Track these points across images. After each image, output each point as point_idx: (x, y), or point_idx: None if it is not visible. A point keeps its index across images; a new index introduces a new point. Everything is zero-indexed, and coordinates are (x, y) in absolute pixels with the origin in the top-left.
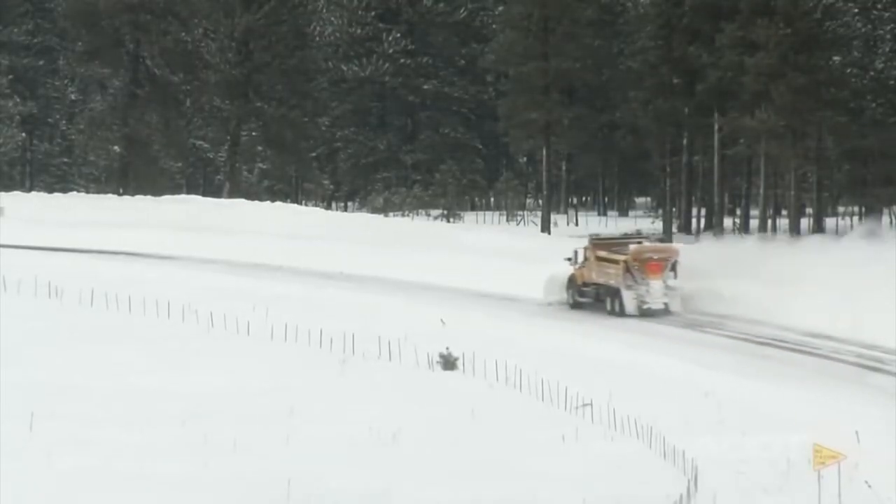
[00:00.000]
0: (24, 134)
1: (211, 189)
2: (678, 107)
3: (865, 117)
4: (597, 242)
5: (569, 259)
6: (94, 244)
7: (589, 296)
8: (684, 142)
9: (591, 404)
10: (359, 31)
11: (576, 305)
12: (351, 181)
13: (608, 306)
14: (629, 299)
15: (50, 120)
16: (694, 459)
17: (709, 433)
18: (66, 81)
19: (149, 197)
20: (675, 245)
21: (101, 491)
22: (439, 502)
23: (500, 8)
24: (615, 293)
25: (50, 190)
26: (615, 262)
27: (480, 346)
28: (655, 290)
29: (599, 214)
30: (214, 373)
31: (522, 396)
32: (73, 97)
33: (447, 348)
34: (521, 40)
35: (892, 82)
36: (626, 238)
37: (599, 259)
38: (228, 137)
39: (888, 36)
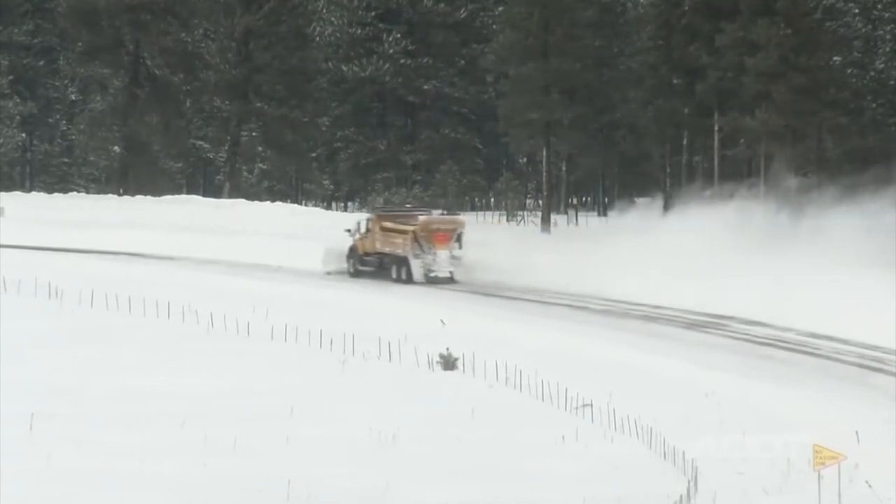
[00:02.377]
0: (24, 134)
1: (211, 189)
2: (678, 107)
3: (866, 118)
4: (382, 214)
5: (348, 230)
6: (94, 244)
7: (371, 265)
8: (684, 142)
9: (591, 404)
10: (359, 31)
11: (356, 274)
12: (351, 181)
13: (394, 274)
14: (417, 267)
15: (50, 120)
16: (694, 460)
17: (709, 433)
18: (66, 81)
19: (149, 197)
20: (461, 217)
21: (101, 491)
22: (439, 502)
23: (500, 8)
24: (402, 262)
25: (50, 190)
26: (403, 232)
27: (480, 346)
28: (442, 259)
29: (599, 215)
30: (214, 373)
31: (522, 396)
32: (73, 97)
33: (447, 348)
34: (521, 40)
35: (892, 82)
36: (410, 210)
37: (385, 230)
38: (228, 137)
39: (888, 36)
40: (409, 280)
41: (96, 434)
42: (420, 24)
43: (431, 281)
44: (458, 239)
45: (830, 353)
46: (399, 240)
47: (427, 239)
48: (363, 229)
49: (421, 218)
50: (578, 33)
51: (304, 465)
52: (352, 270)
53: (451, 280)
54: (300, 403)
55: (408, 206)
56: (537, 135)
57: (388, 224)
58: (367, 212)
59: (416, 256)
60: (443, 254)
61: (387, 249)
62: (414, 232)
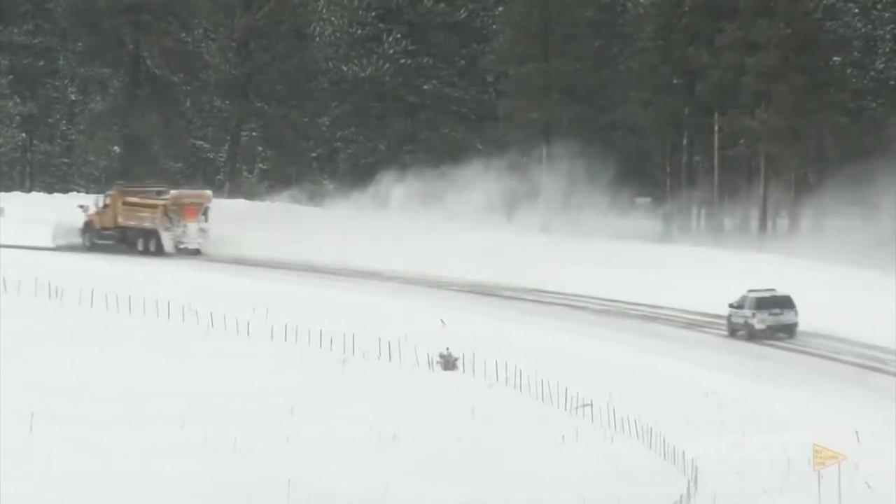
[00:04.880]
0: (24, 134)
1: (211, 189)
2: (678, 107)
3: (865, 118)
4: (124, 190)
5: (82, 206)
6: None
7: (111, 238)
8: (684, 142)
9: (591, 404)
10: (359, 31)
11: (93, 248)
12: (351, 181)
13: (140, 247)
14: (167, 240)
15: (50, 120)
16: (694, 460)
17: (709, 433)
18: (66, 81)
19: None
20: (208, 192)
21: (101, 491)
22: (439, 502)
23: (500, 8)
24: (152, 234)
25: (50, 190)
26: (152, 206)
27: (480, 345)
28: (191, 232)
29: (600, 215)
30: (214, 373)
31: (522, 396)
32: (73, 97)
33: (447, 348)
34: (521, 40)
35: (892, 82)
36: (150, 186)
37: (129, 204)
38: (228, 137)
39: (888, 36)
40: (160, 252)
41: (96, 434)
42: (420, 24)
43: (181, 252)
44: (205, 213)
45: (830, 353)
46: (147, 213)
47: (177, 212)
48: (101, 205)
49: (172, 192)
50: (578, 33)
51: (304, 465)
52: (87, 244)
53: (198, 252)
54: (300, 403)
55: (145, 183)
56: (537, 135)
57: (133, 199)
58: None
59: (167, 229)
60: (192, 226)
61: (132, 223)
62: (164, 206)
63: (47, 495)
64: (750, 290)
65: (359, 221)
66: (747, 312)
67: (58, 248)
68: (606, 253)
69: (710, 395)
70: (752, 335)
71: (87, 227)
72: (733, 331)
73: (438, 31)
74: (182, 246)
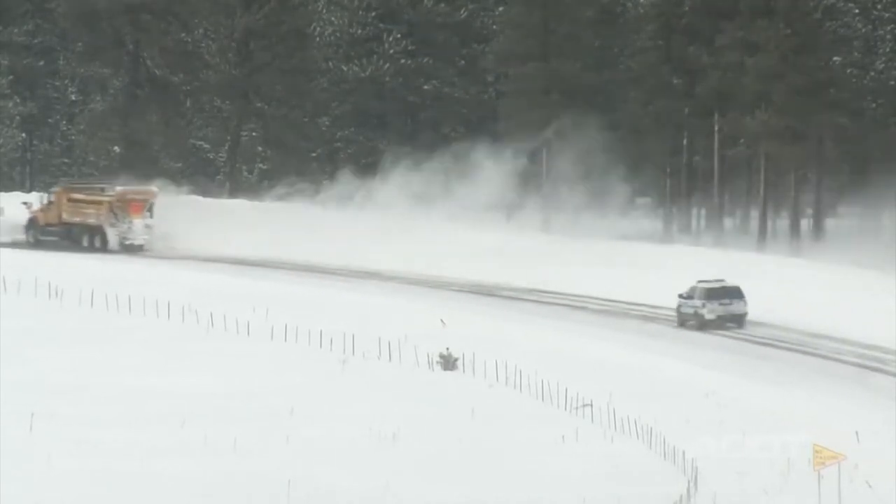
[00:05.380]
0: (24, 134)
1: (211, 189)
2: (678, 107)
3: (866, 118)
4: (68, 187)
5: (25, 203)
6: None
7: (55, 235)
8: (684, 142)
9: (591, 404)
10: (359, 31)
11: (37, 244)
12: (351, 181)
13: (85, 242)
14: (113, 236)
15: (50, 120)
16: (694, 460)
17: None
18: (66, 81)
19: None
20: (153, 188)
21: (101, 491)
22: (439, 502)
23: (501, 8)
24: (97, 230)
25: (50, 190)
26: (98, 203)
27: (480, 345)
28: (137, 228)
29: (600, 215)
30: (214, 373)
31: (522, 396)
32: (73, 97)
33: (447, 348)
34: (522, 40)
35: (892, 82)
36: (94, 184)
37: (74, 201)
38: (228, 137)
39: (888, 36)
40: (105, 248)
41: (96, 434)
42: (420, 24)
43: (126, 249)
44: (150, 209)
45: (830, 353)
46: (92, 210)
47: (122, 209)
48: (45, 202)
49: (117, 188)
50: (578, 33)
51: (304, 465)
52: (31, 240)
53: (142, 249)
54: (300, 403)
55: (90, 179)
56: (537, 135)
57: (78, 196)
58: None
59: (112, 225)
60: (138, 223)
61: (76, 220)
62: (110, 202)
63: (47, 495)
64: (699, 281)
65: (358, 221)
66: (697, 303)
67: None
68: (606, 253)
69: (710, 395)
70: (702, 325)
71: (31, 224)
72: (683, 321)
73: (438, 31)
74: (127, 242)
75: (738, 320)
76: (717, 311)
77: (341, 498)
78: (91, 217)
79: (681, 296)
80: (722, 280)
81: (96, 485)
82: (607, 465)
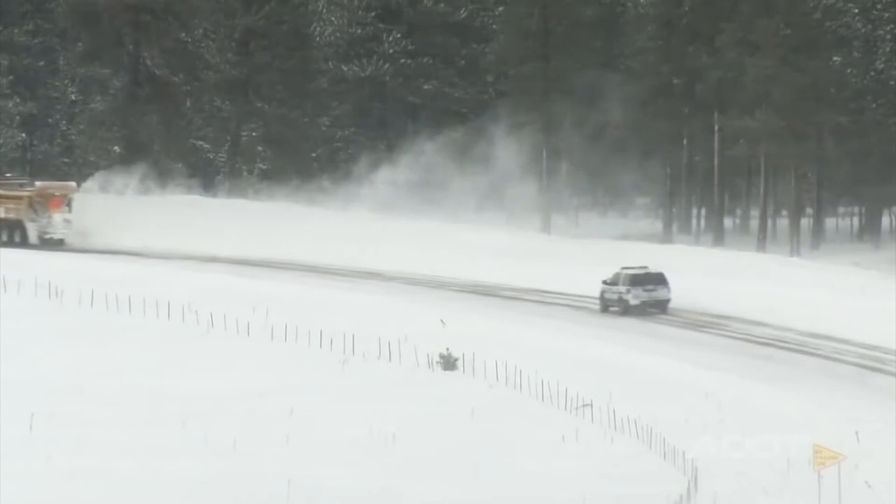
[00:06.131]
0: (24, 134)
1: (211, 189)
2: (678, 107)
3: (866, 118)
4: None
5: None
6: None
7: None
8: (684, 142)
9: (591, 405)
10: (359, 31)
11: None
12: (350, 181)
13: (5, 237)
14: (32, 230)
15: (50, 120)
16: (694, 460)
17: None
18: (66, 82)
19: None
20: (72, 183)
21: (101, 491)
22: (439, 502)
23: (501, 8)
24: (16, 225)
25: None
26: (17, 198)
27: (480, 345)
28: (56, 223)
29: (600, 215)
30: (214, 373)
31: (522, 396)
32: (73, 97)
33: (447, 348)
34: (521, 41)
35: (892, 82)
36: (11, 180)
37: None
38: (228, 137)
39: (888, 36)
40: (25, 242)
41: (96, 434)
42: (420, 24)
43: (46, 243)
44: (69, 204)
45: (830, 353)
46: (12, 205)
47: (42, 204)
48: None
49: (38, 183)
50: (578, 33)
51: (304, 464)
52: None
53: (62, 243)
54: (300, 403)
55: (8, 175)
56: (537, 134)
57: None
58: None
59: (32, 220)
60: (57, 217)
61: None
62: (30, 197)
63: (47, 495)
64: (623, 268)
65: (358, 221)
66: (622, 289)
67: None
68: (606, 253)
69: (710, 395)
70: (626, 311)
71: None
72: (606, 307)
73: (438, 31)
74: (47, 236)
75: (662, 306)
76: (641, 296)
77: (341, 498)
78: (11, 212)
79: (605, 282)
80: (646, 267)
81: (96, 485)
82: (607, 465)
